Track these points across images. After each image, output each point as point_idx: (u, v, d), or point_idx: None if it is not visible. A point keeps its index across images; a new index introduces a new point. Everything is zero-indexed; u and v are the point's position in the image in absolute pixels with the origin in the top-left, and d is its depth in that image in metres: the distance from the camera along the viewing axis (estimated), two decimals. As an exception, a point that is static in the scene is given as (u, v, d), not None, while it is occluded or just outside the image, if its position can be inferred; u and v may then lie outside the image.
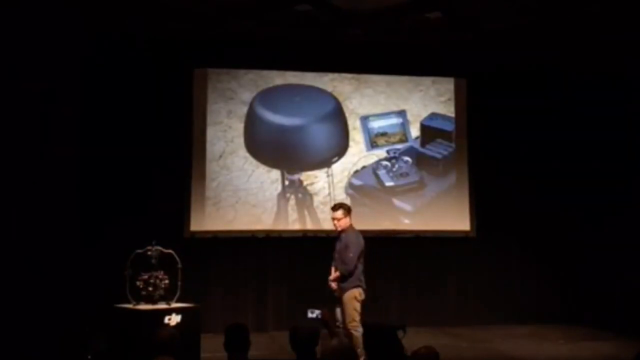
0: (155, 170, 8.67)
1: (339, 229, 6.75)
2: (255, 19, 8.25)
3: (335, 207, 6.87)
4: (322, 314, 5.59)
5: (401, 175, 9.32)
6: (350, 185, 9.23)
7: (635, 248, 8.64)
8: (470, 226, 9.49)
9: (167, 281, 6.15)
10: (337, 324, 6.50)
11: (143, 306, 6.06)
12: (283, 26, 8.45)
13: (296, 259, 9.06)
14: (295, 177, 9.12)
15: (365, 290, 6.67)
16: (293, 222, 9.08)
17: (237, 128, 9.06)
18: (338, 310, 6.62)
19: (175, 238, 7.92)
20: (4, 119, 6.72)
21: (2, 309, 6.44)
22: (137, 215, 8.32)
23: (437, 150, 9.49)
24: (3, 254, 6.60)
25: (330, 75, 9.36)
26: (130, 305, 6.09)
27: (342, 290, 6.64)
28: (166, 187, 8.69)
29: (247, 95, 9.13)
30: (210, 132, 9.00)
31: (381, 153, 9.37)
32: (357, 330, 6.41)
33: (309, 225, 9.11)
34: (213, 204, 8.92)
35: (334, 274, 6.70)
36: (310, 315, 5.60)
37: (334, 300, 6.67)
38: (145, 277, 6.10)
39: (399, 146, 9.39)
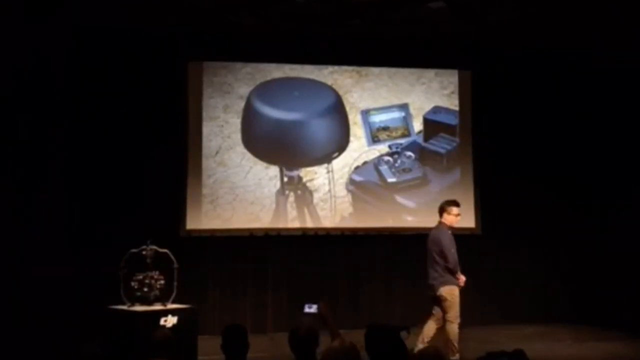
0: (149, 167, 8.51)
1: None
2: (252, 11, 8.09)
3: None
4: (320, 307, 5.35)
5: (404, 170, 9.17)
6: (351, 182, 9.07)
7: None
8: (475, 223, 9.33)
9: (162, 281, 6.09)
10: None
11: (138, 307, 6.01)
12: (281, 18, 8.28)
13: (296, 258, 8.93)
14: (295, 173, 8.95)
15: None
16: (292, 219, 8.92)
17: (234, 123, 8.88)
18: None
19: (170, 237, 7.79)
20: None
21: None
22: (131, 213, 8.18)
23: (441, 144, 9.33)
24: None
25: (330, 68, 9.17)
26: (124, 307, 6.05)
27: None
28: (161, 185, 8.53)
29: (244, 90, 8.95)
30: (206, 128, 8.82)
31: (383, 148, 9.20)
32: None
33: (309, 223, 8.94)
34: (210, 201, 8.75)
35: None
36: (307, 310, 5.35)
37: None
38: (140, 277, 6.04)
39: (401, 141, 9.22)
